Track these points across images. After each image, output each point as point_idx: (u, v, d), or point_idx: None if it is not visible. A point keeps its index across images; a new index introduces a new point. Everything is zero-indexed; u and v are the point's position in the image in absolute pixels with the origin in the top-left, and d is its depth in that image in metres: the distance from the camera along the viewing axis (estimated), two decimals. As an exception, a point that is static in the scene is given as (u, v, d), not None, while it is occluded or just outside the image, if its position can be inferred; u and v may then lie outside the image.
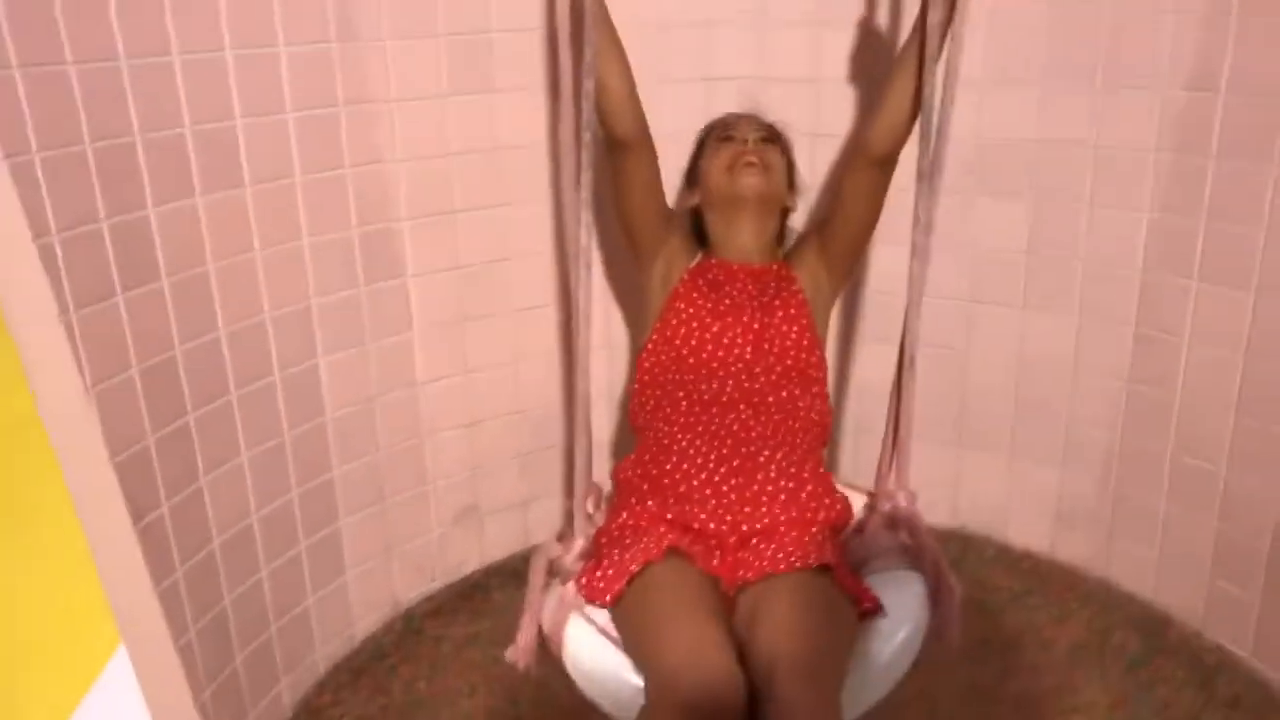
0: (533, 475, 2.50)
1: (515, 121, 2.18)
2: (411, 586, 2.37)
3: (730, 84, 2.25)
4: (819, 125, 2.29)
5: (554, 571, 1.69)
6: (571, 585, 1.62)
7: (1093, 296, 2.22)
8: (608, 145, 1.84)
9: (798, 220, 2.13)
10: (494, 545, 2.50)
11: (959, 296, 2.37)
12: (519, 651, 1.65)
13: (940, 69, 1.62)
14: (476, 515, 2.44)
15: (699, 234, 2.02)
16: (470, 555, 2.47)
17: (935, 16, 1.57)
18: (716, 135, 1.97)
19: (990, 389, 2.42)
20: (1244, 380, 2.01)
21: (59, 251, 1.46)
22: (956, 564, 2.45)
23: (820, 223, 1.98)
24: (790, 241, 2.06)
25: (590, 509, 1.79)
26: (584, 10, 1.56)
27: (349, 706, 2.10)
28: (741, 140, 1.91)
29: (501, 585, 2.43)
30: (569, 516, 1.77)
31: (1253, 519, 2.05)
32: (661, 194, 1.95)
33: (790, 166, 1.99)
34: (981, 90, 2.15)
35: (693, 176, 2.02)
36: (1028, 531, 2.49)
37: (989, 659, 2.16)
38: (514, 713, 2.06)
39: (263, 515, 1.95)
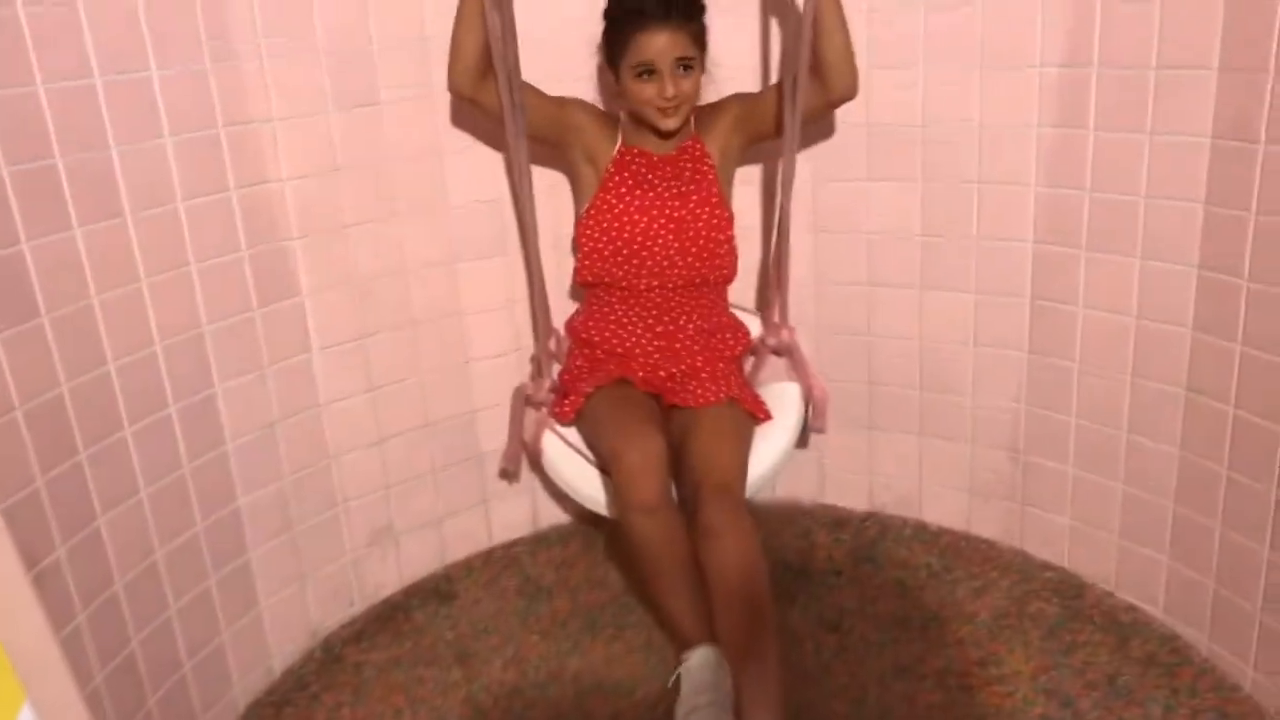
0: (447, 490, 2.46)
1: (401, 132, 2.16)
2: (329, 613, 2.32)
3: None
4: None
5: (529, 401, 2.21)
6: (544, 410, 2.19)
7: (988, 271, 2.26)
8: (472, 103, 2.04)
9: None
10: (411, 565, 2.46)
11: (859, 281, 2.39)
12: (507, 459, 2.27)
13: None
14: (391, 535, 2.40)
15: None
16: (387, 577, 2.43)
17: None
18: (634, 62, 2.00)
19: (896, 370, 2.45)
20: (1137, 343, 2.06)
21: (-74, 293, 1.40)
22: (874, 544, 2.48)
23: (746, 102, 2.16)
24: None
25: (553, 348, 2.28)
26: None
27: (272, 741, 2.05)
28: (660, 76, 1.99)
29: (422, 604, 2.40)
30: (537, 359, 2.32)
31: (1156, 480, 2.10)
32: (540, 99, 2.07)
33: (704, 51, 2.07)
34: (868, 77, 2.17)
35: (610, 60, 2.08)
36: (943, 508, 2.52)
37: (912, 638, 2.18)
38: (442, 732, 2.03)
39: (167, 551, 1.89)
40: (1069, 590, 2.28)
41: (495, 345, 2.42)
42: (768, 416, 2.16)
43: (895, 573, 2.38)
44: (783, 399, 2.22)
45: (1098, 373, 2.15)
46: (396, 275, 2.24)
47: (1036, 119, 2.08)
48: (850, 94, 2.05)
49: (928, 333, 2.38)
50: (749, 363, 2.34)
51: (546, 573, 2.48)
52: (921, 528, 2.53)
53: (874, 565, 2.42)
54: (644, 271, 2.14)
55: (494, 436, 2.47)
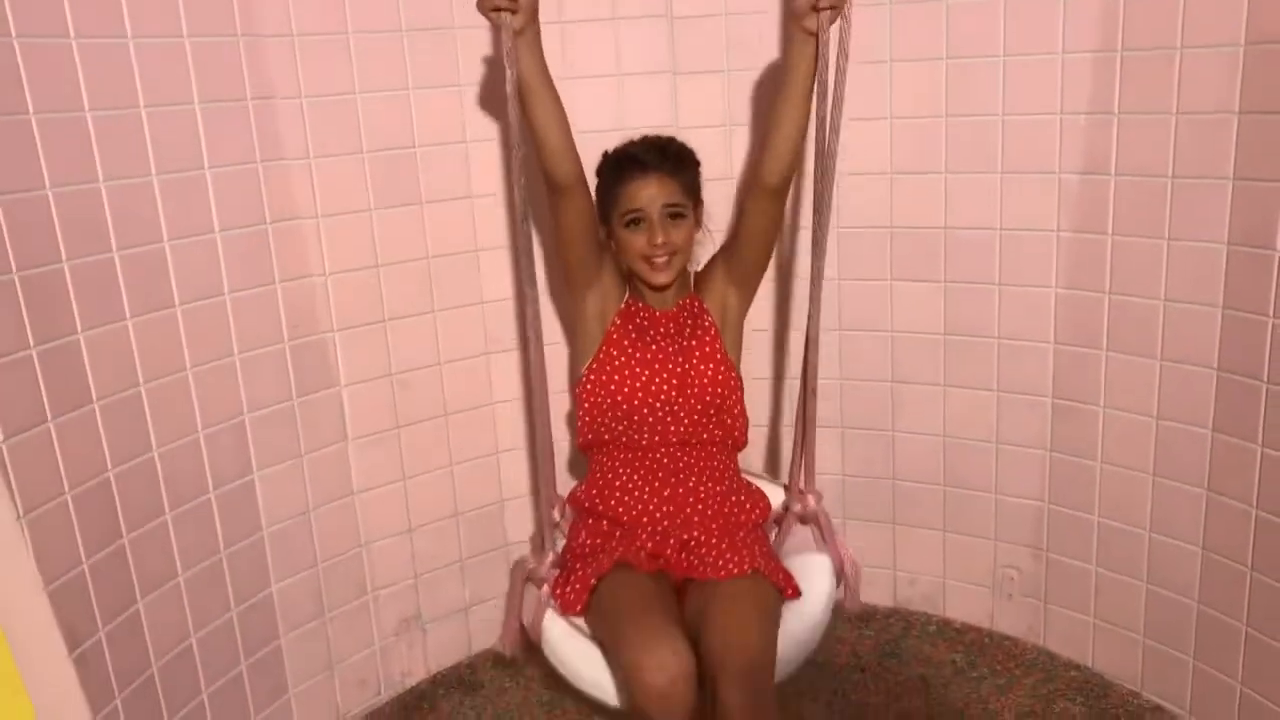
0: (474, 579, 2.49)
1: (441, 231, 2.23)
2: (356, 701, 2.34)
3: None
4: (731, 169, 2.36)
5: (531, 578, 1.94)
6: (546, 588, 1.91)
7: (1009, 371, 2.30)
8: (549, 189, 1.88)
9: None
10: (438, 654, 2.48)
11: (883, 378, 2.43)
12: (505, 643, 1.97)
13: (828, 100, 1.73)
14: (419, 624, 2.42)
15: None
16: (414, 665, 2.45)
17: (805, 50, 1.72)
18: (624, 210, 1.95)
19: (919, 466, 2.47)
20: (1158, 443, 2.09)
21: (-11, 380, 1.46)
22: (898, 640, 2.48)
23: (725, 249, 2.09)
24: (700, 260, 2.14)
25: (557, 517, 2.08)
26: (520, 70, 1.67)
27: (296, 829, 2.05)
28: (649, 224, 1.94)
29: (447, 694, 2.41)
30: (539, 530, 2.06)
31: (1179, 578, 2.11)
32: (596, 232, 1.98)
33: (698, 204, 2.03)
34: (893, 182, 2.24)
35: (604, 216, 2.01)
36: (967, 604, 2.53)
37: (937, 735, 2.18)
38: (466, 823, 2.02)
39: (202, 636, 1.92)
40: (1094, 690, 2.28)
41: (525, 437, 2.46)
42: (796, 593, 1.92)
43: (919, 669, 2.38)
44: (811, 572, 1.99)
45: (1119, 472, 2.18)
46: (430, 367, 2.30)
47: (1056, 224, 2.15)
48: (782, 184, 1.90)
49: (951, 430, 2.41)
50: (773, 533, 2.13)
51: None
52: (945, 624, 2.54)
53: (898, 661, 2.42)
54: (645, 429, 2.01)
55: (521, 527, 2.51)
